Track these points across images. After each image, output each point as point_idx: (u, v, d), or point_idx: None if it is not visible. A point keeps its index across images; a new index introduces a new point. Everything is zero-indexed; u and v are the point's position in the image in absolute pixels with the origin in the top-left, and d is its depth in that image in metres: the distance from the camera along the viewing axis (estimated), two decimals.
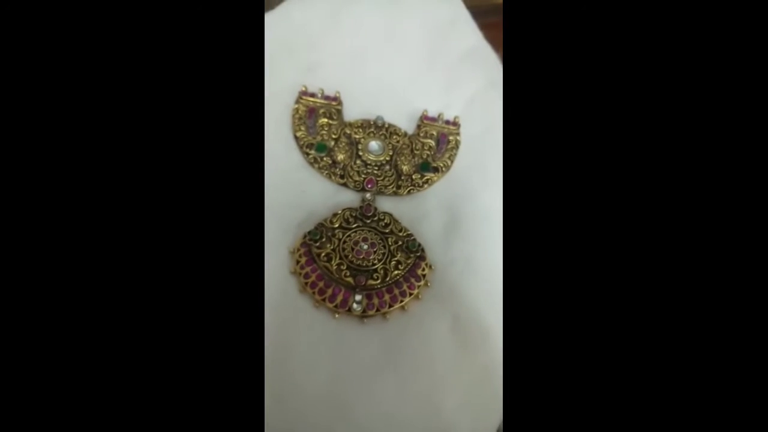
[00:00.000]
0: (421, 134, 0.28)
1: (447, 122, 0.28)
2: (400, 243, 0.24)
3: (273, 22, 0.29)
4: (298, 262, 0.23)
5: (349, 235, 0.24)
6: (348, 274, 0.23)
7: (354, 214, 0.25)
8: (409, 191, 0.26)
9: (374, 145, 0.27)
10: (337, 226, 0.24)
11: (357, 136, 0.27)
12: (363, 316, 0.23)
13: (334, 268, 0.23)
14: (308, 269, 0.23)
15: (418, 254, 0.24)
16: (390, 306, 0.23)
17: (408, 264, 0.24)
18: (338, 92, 0.28)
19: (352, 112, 0.28)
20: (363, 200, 0.25)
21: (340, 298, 0.23)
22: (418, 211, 0.26)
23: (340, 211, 0.25)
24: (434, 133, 0.28)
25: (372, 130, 0.27)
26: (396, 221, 0.25)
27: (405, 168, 0.26)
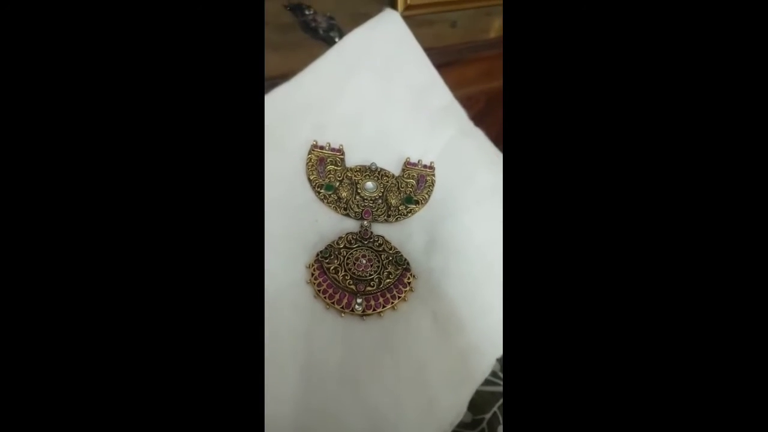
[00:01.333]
0: (405, 176, 0.35)
1: (425, 166, 0.35)
2: (390, 258, 0.31)
3: (290, 90, 0.35)
4: (312, 274, 0.30)
5: (351, 253, 0.31)
6: (351, 282, 0.30)
7: (355, 237, 0.32)
8: (396, 219, 0.33)
9: (370, 184, 0.34)
10: (342, 246, 0.31)
11: (356, 178, 0.34)
12: (363, 314, 0.29)
13: (340, 278, 0.30)
14: (320, 280, 0.30)
15: (405, 266, 0.31)
16: (384, 306, 0.29)
17: (397, 274, 0.31)
18: (341, 145, 0.35)
19: (353, 159, 0.35)
20: (361, 226, 0.32)
21: (345, 301, 0.29)
22: (403, 234, 0.33)
23: (344, 235, 0.31)
24: (415, 174, 0.35)
25: (368, 173, 0.35)
26: (387, 242, 0.32)
27: (393, 201, 0.34)
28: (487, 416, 0.30)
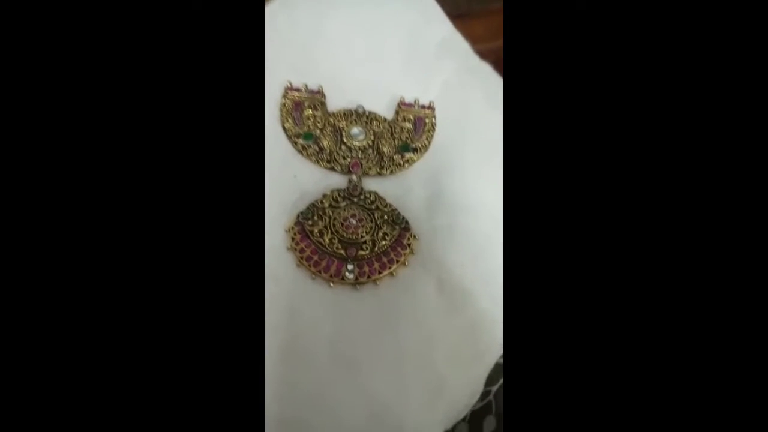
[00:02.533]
0: (400, 119, 0.30)
1: (423, 107, 0.30)
2: (386, 217, 0.27)
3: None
4: (293, 239, 0.25)
5: (338, 212, 0.26)
6: (339, 246, 0.25)
7: (342, 194, 0.27)
8: (391, 171, 0.28)
9: (357, 131, 0.29)
10: (327, 205, 0.26)
11: (340, 124, 0.29)
12: (356, 283, 0.25)
13: (327, 242, 0.25)
14: (303, 245, 0.25)
15: (403, 226, 0.26)
16: (380, 273, 0.25)
17: (394, 235, 0.26)
18: (321, 86, 0.30)
19: (335, 102, 0.30)
20: (350, 181, 0.28)
21: (333, 268, 0.25)
22: (401, 188, 0.28)
23: (329, 192, 0.27)
24: (411, 117, 0.30)
25: (354, 117, 0.30)
26: (381, 198, 0.27)
27: (386, 150, 0.29)
28: (494, 388, 0.26)
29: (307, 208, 0.26)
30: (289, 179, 0.27)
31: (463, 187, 0.28)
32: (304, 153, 0.28)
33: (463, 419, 0.24)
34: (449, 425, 0.24)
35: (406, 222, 0.26)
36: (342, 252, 0.25)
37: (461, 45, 0.34)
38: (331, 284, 0.25)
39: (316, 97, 0.30)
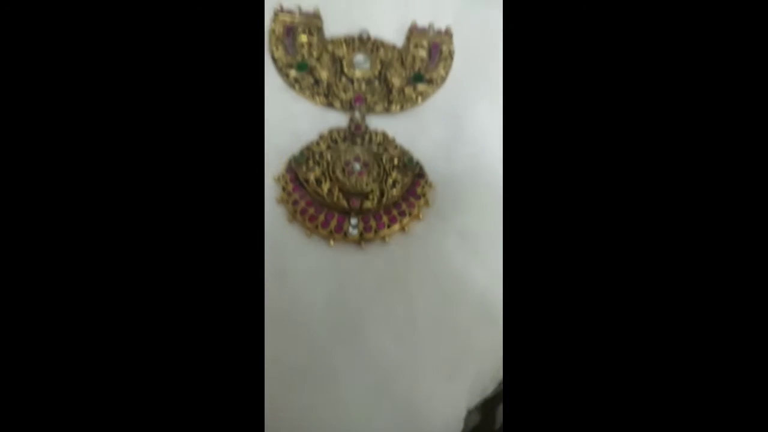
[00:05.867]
0: (412, 45, 0.25)
1: (438, 32, 0.26)
2: (395, 161, 0.22)
3: None
4: (284, 188, 0.21)
5: (338, 156, 0.22)
6: (341, 197, 0.21)
7: (343, 135, 0.23)
8: (402, 107, 0.24)
9: (360, 58, 0.25)
10: (325, 147, 0.22)
11: (340, 53, 0.25)
12: (361, 240, 0.21)
13: (325, 192, 0.21)
14: (296, 195, 0.21)
15: (417, 172, 0.22)
16: (389, 227, 0.21)
17: (405, 183, 0.22)
18: (317, 7, 0.25)
19: (334, 27, 0.26)
20: (351, 120, 0.23)
21: (333, 223, 0.21)
22: (413, 127, 0.24)
23: (327, 132, 0.23)
24: (425, 43, 0.25)
25: (356, 45, 0.25)
26: (390, 139, 0.23)
27: (396, 82, 0.24)
28: None
29: (301, 152, 0.22)
30: (279, 118, 0.23)
31: (487, 124, 0.24)
32: (297, 87, 0.24)
33: (483, 403, 0.21)
34: (474, 402, 0.21)
35: (420, 167, 0.22)
36: (344, 203, 0.21)
37: None
38: (331, 242, 0.21)
39: (312, 21, 0.25)
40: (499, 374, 0.21)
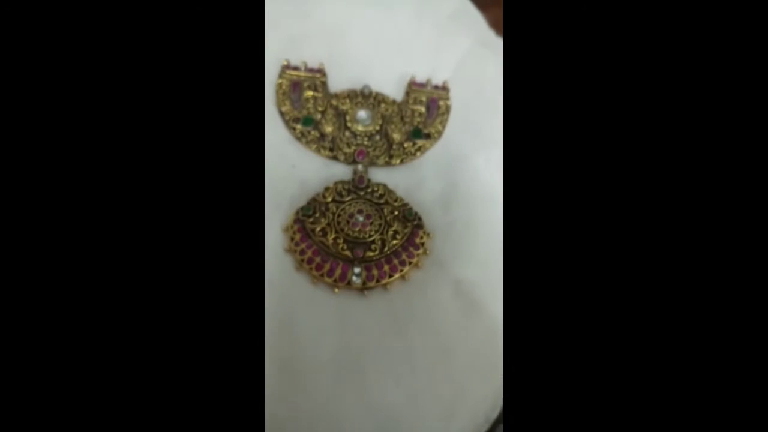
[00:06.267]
0: (411, 101, 0.27)
1: (436, 87, 0.27)
2: (396, 213, 0.24)
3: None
4: (292, 239, 0.23)
5: (343, 209, 0.23)
6: (345, 247, 0.23)
7: (347, 187, 0.24)
8: (401, 160, 0.25)
9: (362, 114, 0.26)
10: (330, 200, 0.24)
11: (344, 107, 0.26)
12: (363, 288, 0.22)
13: (330, 242, 0.23)
14: (303, 245, 0.23)
15: (416, 222, 0.23)
16: (390, 276, 0.22)
17: (405, 233, 0.23)
18: (322, 64, 0.27)
19: (338, 82, 0.27)
20: (355, 172, 0.25)
21: (338, 272, 0.22)
22: (412, 180, 0.25)
23: (332, 185, 0.24)
24: (424, 99, 0.27)
25: (359, 99, 0.26)
26: (390, 191, 0.24)
27: (396, 136, 0.26)
28: None
29: (308, 203, 0.23)
30: (287, 170, 0.24)
31: (483, 177, 0.25)
32: (304, 140, 0.25)
33: None
34: None
35: (419, 218, 0.24)
36: (347, 253, 0.22)
37: (476, 17, 0.31)
38: (336, 290, 0.22)
39: (317, 77, 0.26)
40: (493, 414, 0.22)
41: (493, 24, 0.31)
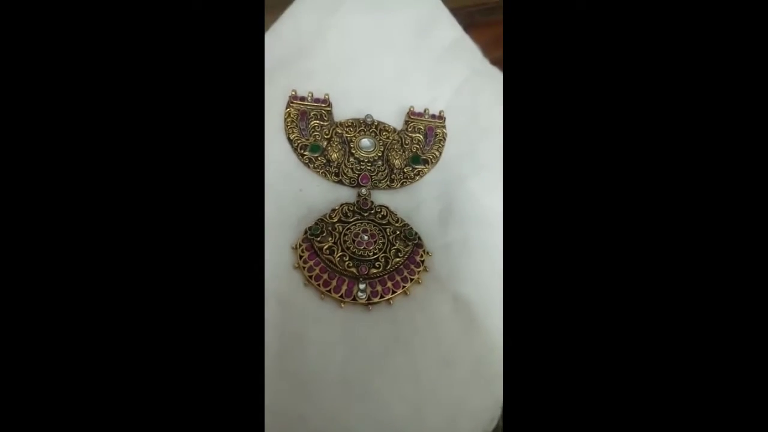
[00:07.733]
0: (410, 129, 0.29)
1: (433, 116, 0.29)
2: (398, 232, 0.25)
3: (266, 42, 0.30)
4: (301, 257, 0.24)
5: (348, 228, 0.25)
6: (351, 264, 0.24)
7: (352, 209, 0.26)
8: (402, 184, 0.27)
9: (365, 141, 0.28)
10: (336, 220, 0.25)
11: (348, 135, 0.28)
12: (368, 303, 0.23)
13: (337, 260, 0.24)
14: (311, 263, 0.24)
15: (416, 242, 0.25)
16: (393, 292, 0.24)
17: (407, 252, 0.25)
18: (327, 94, 0.29)
19: (343, 112, 0.29)
20: (359, 195, 0.26)
21: (344, 288, 0.24)
22: (412, 202, 0.27)
23: (338, 207, 0.26)
24: (422, 127, 0.29)
25: (362, 128, 0.28)
26: (392, 212, 0.26)
27: (396, 162, 0.28)
28: None
29: (316, 223, 0.25)
30: (296, 193, 0.26)
31: (477, 199, 0.27)
32: (311, 166, 0.27)
33: None
34: None
35: (419, 237, 0.25)
36: (353, 270, 0.24)
37: (471, 48, 0.33)
38: (342, 305, 0.23)
39: (322, 107, 0.28)
40: (491, 426, 0.23)
41: (491, 42, 0.33)
